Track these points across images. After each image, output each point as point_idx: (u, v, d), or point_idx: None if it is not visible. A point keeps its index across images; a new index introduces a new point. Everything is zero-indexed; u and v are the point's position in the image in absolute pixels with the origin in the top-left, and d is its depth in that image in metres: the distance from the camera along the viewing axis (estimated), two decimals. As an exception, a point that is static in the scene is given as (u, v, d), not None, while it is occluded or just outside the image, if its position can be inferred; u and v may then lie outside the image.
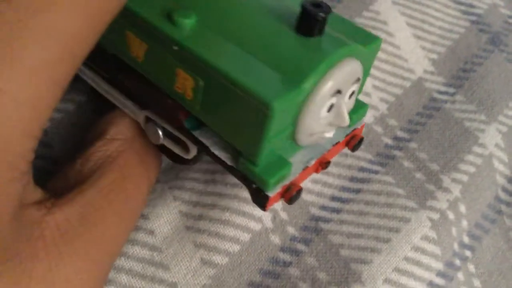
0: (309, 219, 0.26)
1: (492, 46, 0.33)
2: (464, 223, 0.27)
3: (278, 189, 0.19)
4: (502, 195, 0.29)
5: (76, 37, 0.16)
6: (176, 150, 0.23)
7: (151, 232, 0.24)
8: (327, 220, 0.26)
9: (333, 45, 0.19)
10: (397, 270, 0.25)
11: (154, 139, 0.23)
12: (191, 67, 0.19)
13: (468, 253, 0.27)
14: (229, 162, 0.20)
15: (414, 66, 0.31)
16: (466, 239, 0.27)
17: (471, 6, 0.34)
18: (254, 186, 0.19)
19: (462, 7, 0.34)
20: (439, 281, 0.25)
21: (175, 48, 0.19)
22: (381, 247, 0.25)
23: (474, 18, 0.33)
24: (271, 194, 0.19)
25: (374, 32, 0.31)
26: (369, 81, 0.30)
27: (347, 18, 0.31)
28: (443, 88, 0.31)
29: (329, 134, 0.20)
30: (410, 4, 0.33)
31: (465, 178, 0.28)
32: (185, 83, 0.19)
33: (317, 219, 0.26)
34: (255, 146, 0.18)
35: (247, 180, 0.19)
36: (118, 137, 0.23)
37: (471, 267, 0.26)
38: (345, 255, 0.25)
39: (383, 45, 0.31)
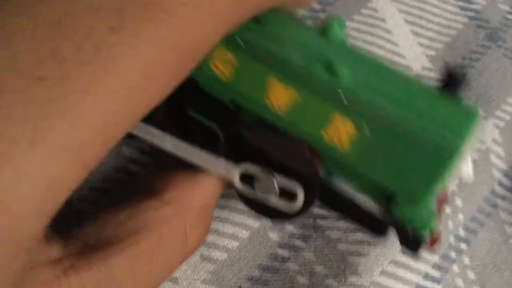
0: (308, 217, 0.27)
1: (490, 42, 0.33)
2: (460, 216, 0.28)
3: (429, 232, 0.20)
4: (498, 189, 0.29)
5: (112, 122, 0.15)
6: (282, 205, 0.21)
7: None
8: (324, 217, 0.27)
9: (469, 103, 0.19)
10: (394, 262, 0.26)
11: (263, 192, 0.21)
12: (355, 115, 0.18)
13: (463, 246, 0.27)
14: (374, 210, 0.20)
15: (412, 62, 0.32)
16: (462, 232, 0.27)
17: (469, 2, 0.34)
18: (406, 229, 0.20)
19: (460, 3, 0.34)
20: (434, 273, 0.26)
21: (340, 95, 0.18)
22: (377, 241, 0.26)
23: (472, 14, 0.34)
24: (427, 237, 0.20)
25: (372, 30, 0.32)
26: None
27: (345, 15, 0.32)
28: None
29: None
30: (408, 0, 0.33)
31: (462, 172, 0.28)
32: (340, 129, 0.19)
33: (315, 216, 0.27)
34: (423, 189, 0.18)
35: (397, 223, 0.20)
36: (174, 203, 0.20)
37: (466, 260, 0.27)
38: (342, 249, 0.26)
39: (381, 42, 0.32)
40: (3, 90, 0.14)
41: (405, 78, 0.19)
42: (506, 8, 0.34)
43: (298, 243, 0.26)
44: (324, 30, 0.20)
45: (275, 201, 0.21)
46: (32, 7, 0.15)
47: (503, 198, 0.29)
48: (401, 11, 0.33)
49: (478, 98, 0.31)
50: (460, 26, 0.33)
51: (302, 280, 0.25)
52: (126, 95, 0.15)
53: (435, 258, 0.26)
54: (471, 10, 0.34)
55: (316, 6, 0.32)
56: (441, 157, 0.17)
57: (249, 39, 0.19)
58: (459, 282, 0.26)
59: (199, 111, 0.22)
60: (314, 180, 0.20)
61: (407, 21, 0.33)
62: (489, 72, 0.32)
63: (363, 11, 0.32)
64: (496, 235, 0.28)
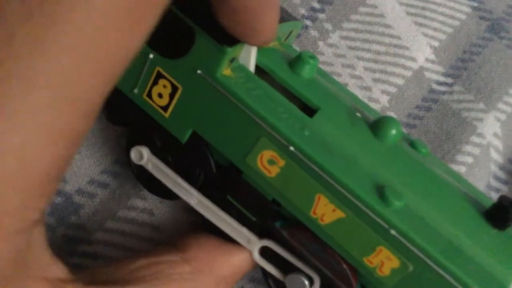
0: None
1: (491, 34, 0.33)
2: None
3: None
4: (493, 183, 0.29)
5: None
6: None
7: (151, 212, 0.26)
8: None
9: None
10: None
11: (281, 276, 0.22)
12: (400, 249, 0.19)
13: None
14: None
15: (416, 54, 0.32)
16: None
17: (473, -9, 0.34)
18: None
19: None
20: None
21: (391, 234, 0.19)
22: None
23: (475, 4, 0.33)
24: None
25: (369, 28, 0.32)
26: (368, 75, 0.31)
27: (344, 14, 0.31)
28: (442, 79, 0.31)
29: None
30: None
31: (463, 169, 0.29)
32: (384, 261, 0.19)
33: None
34: None
35: None
36: (195, 264, 0.21)
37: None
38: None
39: (380, 39, 0.32)
40: None
41: (456, 198, 0.20)
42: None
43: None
44: (377, 130, 0.21)
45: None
46: None
47: (497, 190, 0.29)
48: (401, 3, 0.33)
49: (478, 92, 0.31)
50: (463, 16, 0.33)
51: None
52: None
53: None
54: (474, 0, 0.34)
55: (316, 6, 0.32)
56: None
57: (299, 147, 0.19)
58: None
59: (238, 199, 0.22)
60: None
61: (409, 13, 0.33)
62: (490, 65, 0.32)
63: (362, 9, 0.32)
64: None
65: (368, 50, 0.31)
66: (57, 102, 0.13)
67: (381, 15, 0.32)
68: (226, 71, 0.19)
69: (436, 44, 0.32)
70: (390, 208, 0.19)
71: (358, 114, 0.22)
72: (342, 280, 0.20)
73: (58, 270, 0.18)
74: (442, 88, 0.31)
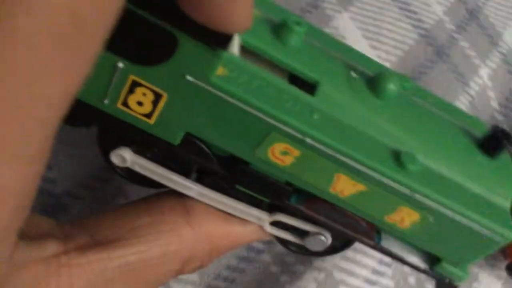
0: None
1: (437, 57, 0.37)
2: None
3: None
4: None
5: None
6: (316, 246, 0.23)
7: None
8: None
9: None
10: (353, 248, 0.30)
11: (313, 246, 0.23)
12: (422, 210, 0.20)
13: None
14: (422, 266, 0.23)
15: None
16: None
17: (420, 20, 0.39)
18: (447, 280, 0.23)
19: (413, 21, 0.38)
20: (386, 258, 0.30)
21: (408, 193, 0.20)
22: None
23: (422, 31, 0.38)
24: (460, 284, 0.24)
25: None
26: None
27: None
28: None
29: None
30: (365, 19, 0.37)
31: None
32: (404, 217, 0.21)
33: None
34: (470, 260, 0.22)
35: (438, 275, 0.23)
36: (197, 230, 0.21)
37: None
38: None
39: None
40: None
41: (463, 145, 0.22)
42: (452, 27, 0.39)
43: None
44: (376, 89, 0.21)
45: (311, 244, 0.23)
46: None
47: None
48: (359, 28, 0.37)
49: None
50: (412, 42, 0.38)
51: (274, 269, 0.29)
52: None
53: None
54: (421, 28, 0.38)
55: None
56: (493, 246, 0.21)
57: (314, 137, 0.19)
58: (405, 267, 0.30)
59: (249, 188, 0.21)
60: (369, 246, 0.22)
61: (365, 37, 0.37)
62: (435, 84, 0.36)
63: (326, 29, 0.36)
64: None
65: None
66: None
67: (343, 37, 0.36)
68: (218, 70, 0.18)
69: (387, 65, 0.36)
70: (408, 173, 0.19)
71: (354, 74, 0.21)
72: (362, 235, 0.22)
73: (47, 246, 0.18)
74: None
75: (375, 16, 0.38)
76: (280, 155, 0.19)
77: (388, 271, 0.30)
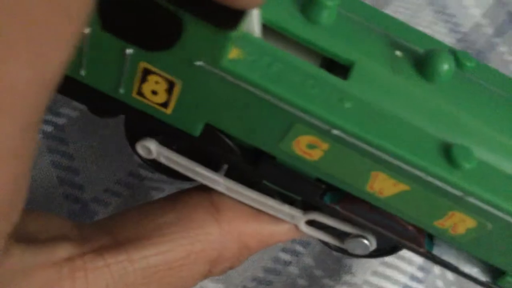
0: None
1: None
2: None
3: None
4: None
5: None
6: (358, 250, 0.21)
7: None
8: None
9: None
10: (383, 263, 0.29)
11: (357, 250, 0.21)
12: (477, 212, 0.17)
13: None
14: (482, 278, 0.20)
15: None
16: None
17: (457, 24, 0.37)
18: None
19: (449, 25, 0.37)
20: (419, 274, 0.29)
21: (460, 195, 0.16)
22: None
23: (459, 36, 0.37)
24: None
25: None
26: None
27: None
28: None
29: None
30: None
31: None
32: (457, 223, 0.17)
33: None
34: None
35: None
36: (224, 227, 0.19)
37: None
38: (337, 254, 0.29)
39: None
40: None
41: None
42: (491, 31, 0.37)
43: (299, 248, 0.29)
44: (426, 70, 0.17)
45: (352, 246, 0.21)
46: None
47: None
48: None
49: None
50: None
51: (301, 282, 0.28)
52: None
53: (419, 260, 0.30)
54: (459, 32, 0.37)
55: None
56: None
57: (344, 129, 0.16)
58: (440, 283, 0.29)
59: (277, 184, 0.20)
60: (418, 253, 0.20)
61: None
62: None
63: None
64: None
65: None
66: None
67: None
68: (231, 53, 0.16)
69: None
70: (461, 172, 0.16)
71: (398, 53, 0.18)
72: (410, 240, 0.19)
73: (59, 249, 0.17)
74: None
75: (409, 19, 0.36)
76: (307, 149, 0.17)
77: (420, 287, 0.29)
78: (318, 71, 0.17)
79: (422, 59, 0.17)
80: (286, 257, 0.29)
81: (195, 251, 0.19)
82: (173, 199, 0.20)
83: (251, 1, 0.13)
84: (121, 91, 0.17)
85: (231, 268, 0.20)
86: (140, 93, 0.17)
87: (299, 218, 0.20)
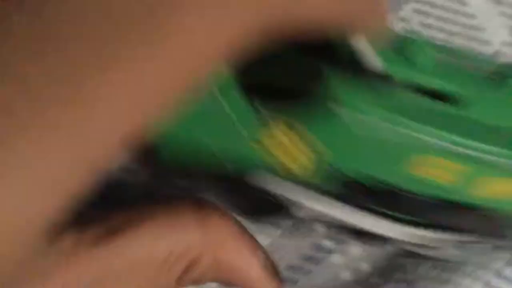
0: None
1: None
2: None
3: None
4: None
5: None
6: None
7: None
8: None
9: None
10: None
11: None
12: None
13: None
14: None
15: (491, 37, 0.29)
16: None
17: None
18: None
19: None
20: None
21: None
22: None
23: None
24: None
25: (442, 2, 0.29)
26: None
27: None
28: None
29: None
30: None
31: None
32: None
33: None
34: None
35: None
36: (207, 242, 0.20)
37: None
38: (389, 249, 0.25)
39: (454, 17, 0.29)
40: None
41: None
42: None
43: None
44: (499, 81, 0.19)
45: None
46: None
47: None
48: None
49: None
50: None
51: (345, 275, 0.25)
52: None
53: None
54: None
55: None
56: None
57: (477, 154, 0.17)
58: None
59: (402, 212, 0.20)
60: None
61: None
62: None
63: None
64: None
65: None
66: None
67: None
68: None
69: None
70: None
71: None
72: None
73: (65, 243, 0.17)
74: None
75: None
76: (440, 171, 0.18)
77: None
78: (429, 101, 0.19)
79: (492, 74, 0.19)
80: (329, 244, 0.25)
81: (177, 250, 0.19)
82: (168, 201, 0.21)
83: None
84: None
85: (199, 282, 0.20)
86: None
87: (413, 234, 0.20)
